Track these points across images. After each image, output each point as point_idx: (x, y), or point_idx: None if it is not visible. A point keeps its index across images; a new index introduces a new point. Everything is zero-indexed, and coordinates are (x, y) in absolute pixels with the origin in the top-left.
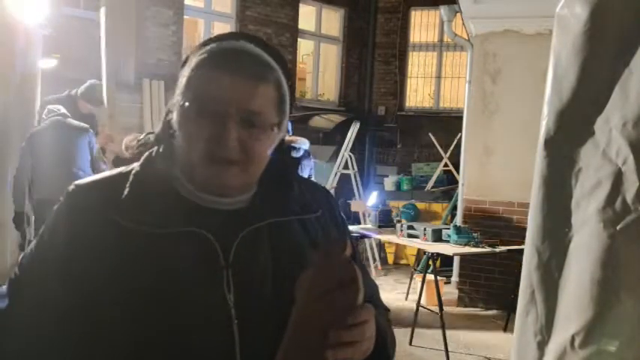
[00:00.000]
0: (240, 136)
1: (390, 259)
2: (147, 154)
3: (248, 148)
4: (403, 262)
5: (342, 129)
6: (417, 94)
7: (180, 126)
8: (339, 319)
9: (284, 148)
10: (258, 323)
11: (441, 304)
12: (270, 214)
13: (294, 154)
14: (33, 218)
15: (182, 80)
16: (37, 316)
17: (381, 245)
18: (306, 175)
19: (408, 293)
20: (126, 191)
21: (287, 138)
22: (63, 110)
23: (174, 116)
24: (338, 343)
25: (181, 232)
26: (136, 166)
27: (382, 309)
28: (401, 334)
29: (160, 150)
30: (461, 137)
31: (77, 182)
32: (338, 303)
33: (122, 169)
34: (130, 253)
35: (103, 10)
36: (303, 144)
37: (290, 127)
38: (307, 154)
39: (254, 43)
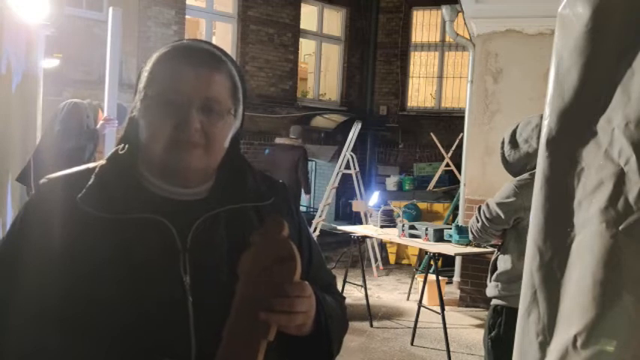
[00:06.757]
0: (202, 121)
1: (392, 259)
2: (113, 150)
3: (209, 132)
4: (405, 262)
5: (344, 129)
6: (419, 94)
7: (145, 117)
8: (277, 292)
9: (238, 141)
10: (212, 303)
11: (442, 304)
12: (227, 202)
13: None
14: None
15: (144, 75)
16: (11, 302)
17: (382, 245)
18: None
19: (409, 293)
20: (90, 181)
21: None
22: None
23: (138, 110)
24: (271, 309)
25: (141, 219)
26: (102, 161)
27: (337, 296)
28: (402, 334)
29: (126, 146)
30: (462, 137)
31: (48, 176)
32: (275, 278)
33: (90, 164)
34: (92, 238)
35: (110, 10)
36: None
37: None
38: None
39: (205, 44)
